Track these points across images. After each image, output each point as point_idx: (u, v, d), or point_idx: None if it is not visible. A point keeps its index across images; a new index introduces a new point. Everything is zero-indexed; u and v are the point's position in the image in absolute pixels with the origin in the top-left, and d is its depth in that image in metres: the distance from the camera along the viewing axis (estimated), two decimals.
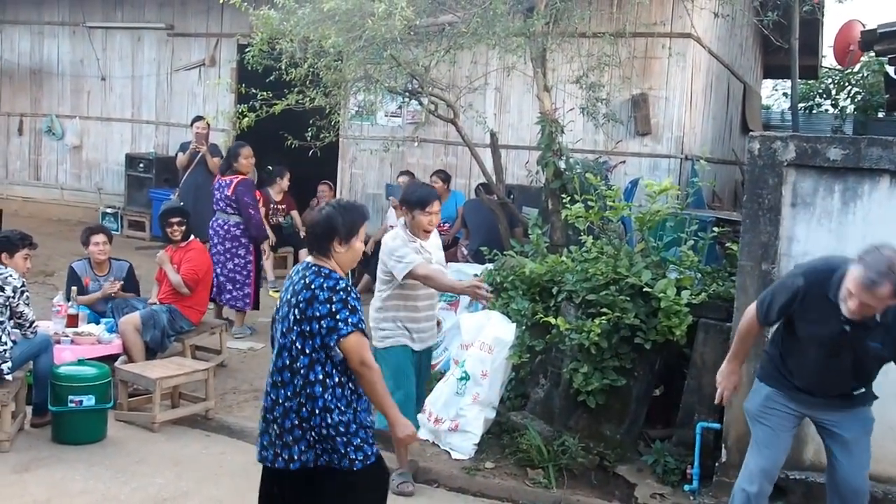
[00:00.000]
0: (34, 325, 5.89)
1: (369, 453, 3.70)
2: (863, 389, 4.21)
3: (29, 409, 6.02)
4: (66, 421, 5.78)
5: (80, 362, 6.01)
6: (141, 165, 12.15)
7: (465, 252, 8.90)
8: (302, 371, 3.61)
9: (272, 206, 10.32)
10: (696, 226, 6.35)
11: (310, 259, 3.75)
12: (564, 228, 7.14)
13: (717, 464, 5.15)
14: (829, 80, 18.27)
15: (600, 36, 7.96)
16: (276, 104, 7.48)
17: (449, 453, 5.78)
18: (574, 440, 5.62)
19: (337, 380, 3.62)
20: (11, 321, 5.73)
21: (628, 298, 5.60)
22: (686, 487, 5.33)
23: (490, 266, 6.80)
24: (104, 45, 13.03)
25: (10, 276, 5.73)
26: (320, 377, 3.60)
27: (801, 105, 15.85)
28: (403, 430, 3.82)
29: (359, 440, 3.66)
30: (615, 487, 5.50)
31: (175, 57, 12.54)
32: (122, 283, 7.32)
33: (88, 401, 5.76)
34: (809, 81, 17.51)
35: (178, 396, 6.49)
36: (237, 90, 8.78)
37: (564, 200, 6.62)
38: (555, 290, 5.97)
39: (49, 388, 5.84)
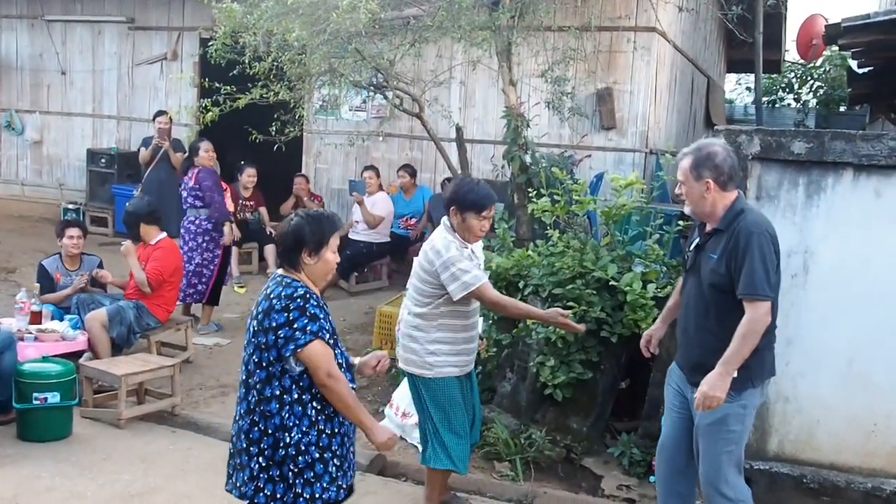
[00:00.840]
0: None
1: (318, 494, 3.39)
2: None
3: None
4: (31, 418, 5.71)
5: (45, 359, 5.94)
6: (103, 161, 12.01)
7: None
8: (257, 386, 3.40)
9: (241, 201, 10.25)
10: (662, 220, 6.40)
11: (279, 270, 3.55)
12: (530, 223, 7.17)
13: None
14: (792, 75, 18.51)
15: (565, 30, 8.01)
16: (239, 98, 7.43)
17: (417, 447, 5.79)
18: (541, 433, 5.66)
19: (296, 396, 3.38)
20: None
21: (594, 292, 5.64)
22: (652, 479, 5.38)
23: None
24: (64, 39, 12.85)
25: None
26: (276, 393, 3.37)
27: (764, 99, 16.03)
28: (381, 434, 3.55)
29: (312, 474, 3.39)
30: (582, 479, 5.55)
31: (136, 51, 12.40)
32: (90, 276, 7.24)
33: (53, 398, 5.69)
34: (773, 76, 17.72)
35: (144, 393, 6.44)
36: (200, 84, 8.71)
37: (530, 195, 6.65)
38: (521, 284, 6.00)
39: (13, 385, 5.77)
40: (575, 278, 5.74)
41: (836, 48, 13.05)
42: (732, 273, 3.85)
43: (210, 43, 7.47)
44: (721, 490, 4.06)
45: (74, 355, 6.46)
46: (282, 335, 3.33)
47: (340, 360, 3.48)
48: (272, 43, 7.14)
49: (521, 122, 7.32)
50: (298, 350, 3.32)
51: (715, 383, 3.84)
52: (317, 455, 3.40)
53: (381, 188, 9.90)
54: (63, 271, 7.26)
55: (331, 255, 3.55)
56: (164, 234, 7.24)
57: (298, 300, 3.35)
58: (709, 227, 4.03)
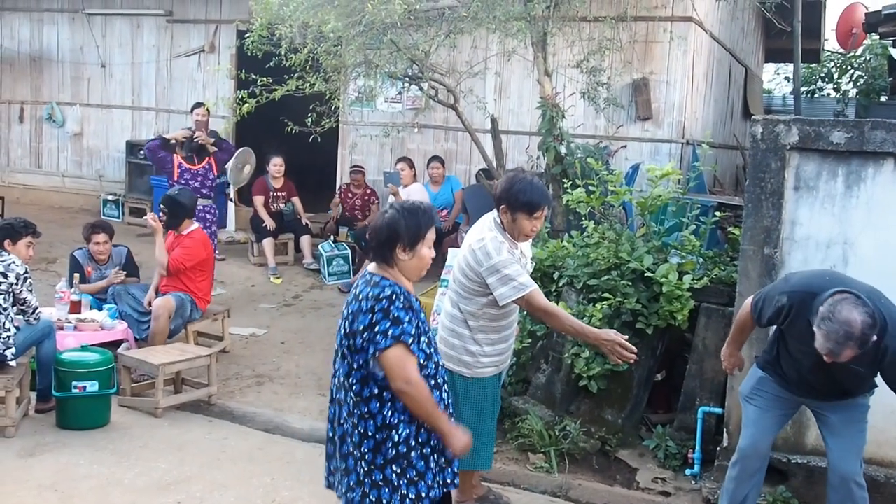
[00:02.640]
0: (37, 311, 5.92)
1: (423, 493, 3.31)
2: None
3: (33, 396, 6.05)
4: (70, 407, 5.80)
5: (84, 348, 6.03)
6: (141, 152, 12.10)
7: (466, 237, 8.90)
8: (355, 388, 3.29)
9: (272, 192, 10.32)
10: (698, 210, 6.34)
11: (370, 267, 3.41)
12: (565, 213, 7.14)
13: (718, 448, 5.16)
14: (832, 64, 18.18)
15: (601, 20, 7.94)
16: (275, 90, 7.46)
17: None
18: (575, 425, 5.63)
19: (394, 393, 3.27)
20: (15, 308, 5.76)
21: (630, 283, 5.60)
22: (688, 472, 5.36)
23: None
24: (104, 32, 12.99)
25: (14, 262, 5.76)
26: (375, 392, 3.27)
27: (802, 89, 15.78)
28: (458, 440, 3.35)
29: (414, 473, 3.29)
30: (617, 472, 5.52)
31: (174, 43, 12.50)
32: (125, 272, 7.35)
33: (92, 387, 5.78)
34: (811, 65, 17.44)
35: (181, 382, 6.51)
36: (237, 76, 8.76)
37: (565, 185, 6.61)
38: (556, 276, 5.97)
39: (53, 374, 5.87)
40: (610, 269, 5.70)
41: (876, 37, 12.83)
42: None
43: (247, 35, 7.52)
44: (859, 481, 4.18)
45: (113, 344, 6.56)
46: (366, 337, 3.22)
47: (425, 361, 3.31)
48: (308, 34, 7.16)
49: (557, 112, 7.28)
50: (378, 354, 3.21)
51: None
52: (418, 452, 3.30)
53: (415, 179, 9.90)
54: (94, 265, 7.38)
55: (426, 251, 3.40)
56: (198, 225, 7.34)
57: (384, 301, 3.21)
58: None
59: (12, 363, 5.68)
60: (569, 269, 5.89)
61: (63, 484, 4.99)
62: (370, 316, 3.21)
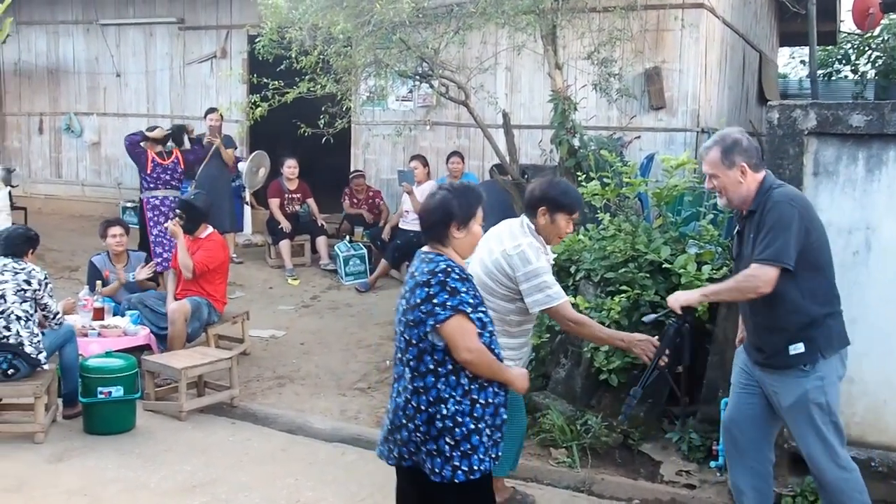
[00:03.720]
0: (58, 316, 6.01)
1: (476, 466, 3.35)
2: (791, 347, 3.94)
3: (60, 402, 6.13)
4: (96, 412, 5.88)
5: (108, 354, 6.09)
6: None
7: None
8: (412, 363, 3.38)
9: (287, 195, 10.36)
10: (715, 199, 6.30)
11: (424, 247, 3.53)
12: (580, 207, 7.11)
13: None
14: (849, 45, 18.03)
15: (611, 10, 7.92)
16: (287, 93, 7.49)
17: None
18: (597, 419, 5.62)
19: (450, 367, 3.34)
20: (37, 313, 5.85)
21: (648, 275, 5.58)
22: (712, 464, 5.33)
23: None
24: (118, 42, 13.08)
25: (34, 269, 5.91)
26: (430, 367, 3.34)
27: (819, 72, 15.67)
28: (521, 381, 3.56)
29: (468, 446, 3.33)
30: (640, 465, 5.50)
31: (187, 50, 12.57)
32: (150, 271, 7.42)
33: (117, 392, 5.85)
34: (828, 47, 17.29)
35: (204, 385, 6.56)
36: (249, 80, 8.80)
37: (580, 178, 6.60)
38: (573, 269, 5.96)
39: (79, 380, 5.94)
40: (627, 262, 5.68)
41: (894, 16, 12.69)
42: None
43: (257, 39, 7.54)
44: (832, 463, 4.01)
45: (136, 350, 6.61)
46: (424, 310, 3.31)
47: (481, 330, 3.38)
48: (318, 37, 7.18)
49: (569, 105, 7.26)
50: (438, 325, 3.29)
51: (680, 295, 4.09)
52: (472, 426, 3.35)
53: (429, 177, 9.91)
54: (111, 268, 7.46)
55: (477, 228, 3.53)
56: (212, 229, 7.41)
57: (440, 274, 3.33)
58: (745, 212, 4.04)
59: (46, 367, 5.79)
60: (586, 263, 5.87)
61: (91, 488, 5.05)
62: (426, 289, 3.31)
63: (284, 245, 10.05)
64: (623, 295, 5.48)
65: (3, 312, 5.67)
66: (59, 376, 6.14)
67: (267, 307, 8.84)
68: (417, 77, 8.01)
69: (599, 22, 8.15)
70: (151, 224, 9.04)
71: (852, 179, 4.76)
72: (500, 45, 9.56)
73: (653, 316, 4.42)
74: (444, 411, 3.33)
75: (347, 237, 10.20)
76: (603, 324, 5.47)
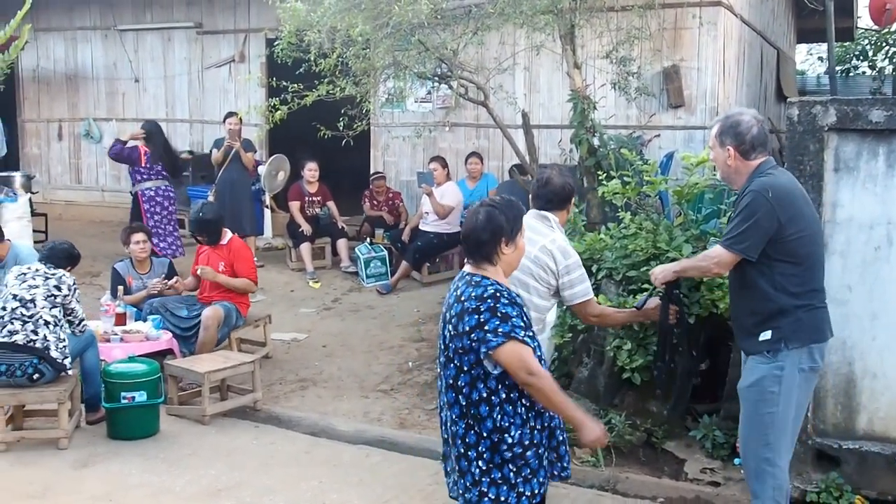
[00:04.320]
0: (83, 322, 6.05)
1: (536, 490, 3.31)
2: (760, 334, 3.96)
3: (83, 407, 6.16)
4: (119, 417, 5.90)
5: (131, 359, 6.12)
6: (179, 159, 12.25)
7: None
8: (465, 390, 3.27)
9: (307, 197, 10.38)
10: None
11: (467, 268, 3.40)
12: (601, 206, 7.10)
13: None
14: (866, 42, 17.91)
15: (629, 9, 7.90)
16: (307, 96, 7.50)
17: None
18: (620, 418, 5.61)
19: (503, 396, 3.25)
20: (65, 318, 5.90)
21: None
22: (736, 461, 5.29)
23: None
24: (136, 47, 13.16)
25: (64, 275, 5.98)
26: (483, 395, 3.25)
27: (837, 68, 15.56)
28: (591, 431, 3.39)
29: (529, 471, 3.29)
30: (664, 464, 5.49)
31: (205, 55, 12.64)
32: (172, 280, 7.44)
33: (140, 397, 5.87)
34: (845, 43, 17.17)
35: (227, 389, 6.58)
36: (268, 84, 8.84)
37: (600, 178, 6.58)
38: (595, 269, 5.94)
39: (101, 384, 5.98)
40: (649, 260, 5.66)
41: None
42: None
43: (276, 43, 7.56)
44: (761, 453, 4.02)
45: (159, 354, 6.64)
46: (475, 338, 3.20)
47: (538, 353, 3.33)
48: (336, 39, 7.18)
49: (588, 104, 7.24)
50: (491, 352, 3.18)
51: (657, 271, 4.28)
52: (533, 451, 3.30)
53: (448, 178, 9.91)
54: (134, 275, 7.48)
55: (523, 242, 3.44)
56: (231, 233, 7.45)
57: (489, 300, 3.21)
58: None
59: (71, 371, 5.85)
60: (607, 262, 5.86)
61: (116, 493, 5.08)
62: (476, 316, 3.20)
63: (305, 248, 10.07)
64: (645, 293, 5.45)
65: (31, 317, 5.71)
66: (81, 381, 6.17)
67: (288, 310, 8.87)
68: (436, 78, 8.02)
69: (617, 21, 8.13)
70: (148, 215, 9.65)
71: (873, 175, 4.74)
72: (518, 45, 9.56)
73: (642, 298, 4.60)
74: (509, 440, 3.26)
75: (368, 239, 10.21)
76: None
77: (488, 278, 3.30)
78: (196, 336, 6.98)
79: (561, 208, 4.41)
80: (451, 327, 3.30)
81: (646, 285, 5.48)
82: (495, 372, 3.23)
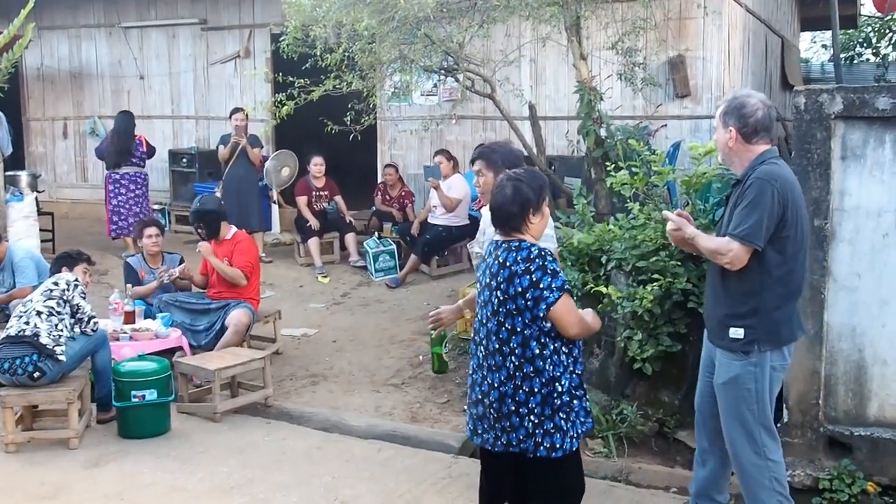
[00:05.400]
0: (94, 320, 6.00)
1: (580, 431, 3.57)
2: (731, 330, 3.96)
3: (94, 407, 6.17)
4: (130, 416, 5.89)
5: (141, 357, 6.12)
6: (184, 160, 12.28)
7: None
8: (517, 351, 3.47)
9: (314, 192, 10.38)
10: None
11: (497, 237, 3.60)
12: (609, 197, 7.10)
13: (778, 425, 5.10)
14: (869, 29, 17.85)
15: (634, 0, 7.87)
16: (313, 91, 7.50)
17: None
18: (632, 408, 5.61)
19: (552, 347, 3.48)
20: (74, 318, 5.89)
21: (679, 263, 5.55)
22: None
23: None
24: (140, 44, 13.16)
25: (64, 275, 5.98)
26: (536, 351, 3.46)
27: (841, 56, 15.52)
28: (593, 318, 3.67)
29: (574, 414, 3.53)
30: (676, 453, 5.48)
31: (210, 51, 12.63)
32: (179, 268, 7.42)
33: (151, 395, 5.86)
34: (849, 31, 17.12)
35: (237, 386, 6.58)
36: (273, 80, 8.84)
37: (608, 168, 6.57)
38: (604, 259, 5.94)
39: (111, 383, 5.98)
40: (658, 250, 5.65)
41: None
42: None
43: (281, 38, 7.56)
44: (748, 449, 4.02)
45: (168, 352, 6.65)
46: (530, 297, 3.40)
47: None
48: (342, 34, 7.20)
49: (594, 95, 7.24)
50: (550, 308, 3.40)
51: (683, 226, 4.03)
52: (577, 394, 3.54)
53: (455, 170, 9.89)
54: (147, 269, 7.49)
55: (547, 210, 3.62)
56: (235, 228, 7.44)
57: (537, 260, 3.42)
58: (736, 180, 4.11)
59: (61, 357, 5.69)
60: (616, 252, 5.85)
61: (129, 492, 5.07)
62: (528, 277, 3.40)
63: (313, 243, 10.08)
64: (655, 284, 5.45)
65: (26, 311, 5.76)
66: (92, 381, 6.18)
67: (298, 306, 8.88)
68: (442, 71, 8.02)
69: (623, 12, 8.13)
70: (112, 195, 10.55)
71: (880, 162, 4.74)
72: (524, 37, 9.54)
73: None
74: (559, 389, 3.48)
75: (376, 233, 10.22)
76: (636, 312, 5.47)
77: (526, 240, 3.51)
78: (207, 331, 6.98)
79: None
80: (499, 293, 3.47)
81: (655, 275, 5.49)
82: (547, 326, 3.44)
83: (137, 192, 10.74)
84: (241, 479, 5.22)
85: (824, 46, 19.60)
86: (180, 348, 6.82)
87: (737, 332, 3.93)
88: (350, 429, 6.02)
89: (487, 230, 4.50)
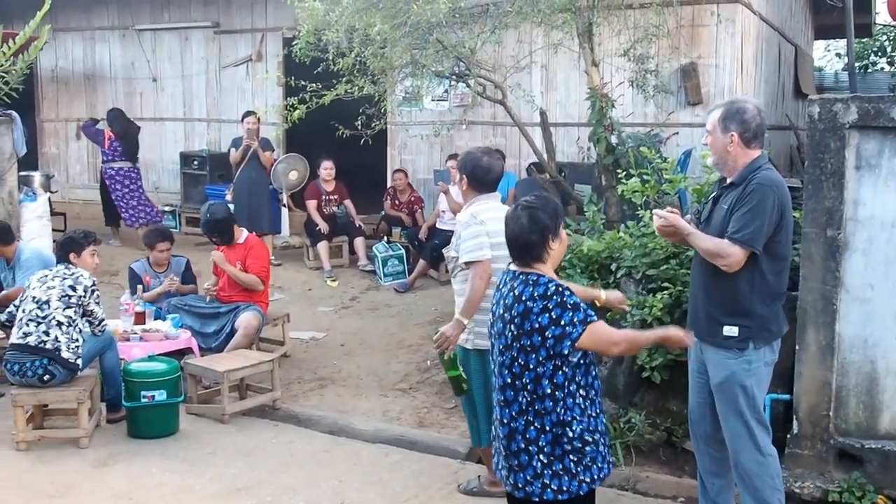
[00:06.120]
0: (103, 323, 6.04)
1: (596, 476, 3.41)
2: (725, 328, 4.00)
3: (103, 407, 6.19)
4: (140, 416, 5.92)
5: (151, 358, 6.14)
6: (195, 163, 12.32)
7: None
8: (529, 387, 3.36)
9: (324, 196, 10.40)
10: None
11: (513, 267, 3.50)
12: (619, 204, 7.09)
13: (788, 436, 5.07)
14: (884, 38, 17.81)
15: (647, 6, 7.88)
16: (325, 95, 7.52)
17: None
18: (640, 417, 5.59)
19: (567, 390, 3.36)
20: (83, 319, 5.90)
21: (689, 271, 5.53)
22: None
23: None
24: (153, 47, 13.22)
25: (81, 275, 5.90)
26: (548, 391, 3.34)
27: (856, 64, 15.48)
28: (674, 333, 3.61)
29: (589, 459, 3.39)
30: (684, 463, 5.45)
31: (222, 54, 12.67)
32: (178, 280, 7.46)
33: (160, 395, 5.88)
34: (863, 40, 17.09)
35: (246, 388, 6.59)
36: (285, 83, 8.86)
37: (619, 175, 6.56)
38: (614, 267, 5.92)
39: (122, 384, 6.00)
40: (669, 258, 5.64)
41: None
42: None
43: (294, 42, 7.57)
44: (749, 446, 4.07)
45: (178, 353, 6.66)
46: (550, 336, 3.29)
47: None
48: (354, 38, 7.20)
49: (606, 102, 7.23)
50: (575, 344, 3.30)
51: (677, 223, 4.01)
52: (590, 440, 3.40)
53: None
54: (152, 273, 7.50)
55: (565, 234, 3.53)
56: (247, 231, 7.45)
57: (555, 297, 3.31)
58: (727, 181, 4.13)
59: (78, 364, 5.80)
60: (626, 260, 5.84)
61: (137, 492, 5.09)
62: (547, 315, 3.29)
63: (322, 246, 10.10)
64: (665, 292, 5.44)
65: (45, 318, 5.71)
66: (102, 382, 6.20)
67: (306, 309, 8.89)
68: (454, 77, 8.02)
69: (635, 19, 8.10)
70: (111, 190, 11.17)
71: (895, 172, 4.70)
72: (535, 43, 9.54)
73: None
74: (570, 433, 3.36)
75: (385, 238, 10.22)
76: (645, 321, 5.46)
77: (543, 275, 3.39)
78: (216, 334, 7.00)
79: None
80: (513, 327, 3.36)
81: (665, 284, 5.47)
82: (574, 360, 3.33)
83: (132, 186, 11.27)
84: (249, 481, 5.24)
85: (838, 55, 19.57)
86: (190, 350, 6.84)
87: (731, 330, 4.01)
88: (357, 433, 6.03)
89: (463, 233, 4.66)
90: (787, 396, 5.22)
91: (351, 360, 7.54)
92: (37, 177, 10.05)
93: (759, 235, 3.87)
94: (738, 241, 3.88)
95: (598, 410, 3.46)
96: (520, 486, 3.42)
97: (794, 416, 5.01)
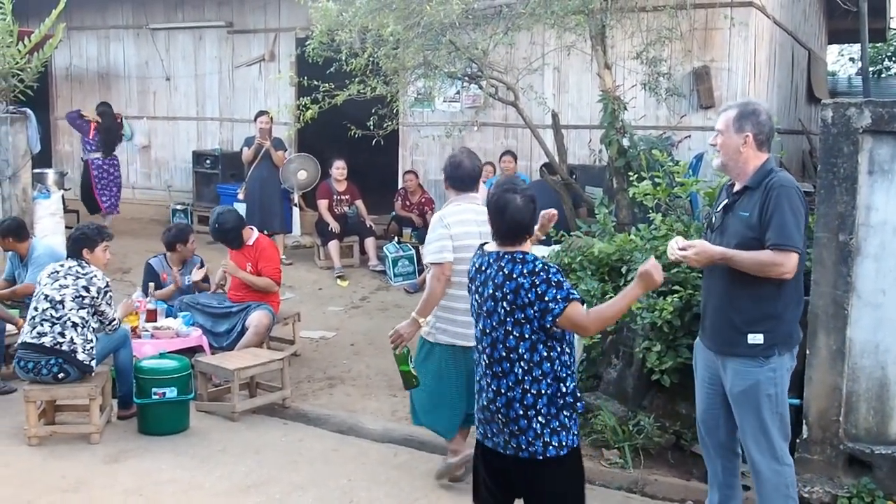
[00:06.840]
0: (114, 322, 6.04)
1: (578, 421, 3.67)
2: (750, 336, 3.98)
3: (115, 403, 6.22)
4: (150, 413, 5.95)
5: (162, 355, 6.17)
6: (207, 162, 12.37)
7: None
8: (525, 356, 3.56)
9: (335, 196, 10.43)
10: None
11: (495, 247, 3.68)
12: (630, 207, 7.08)
13: (798, 440, 5.07)
14: None
15: (660, 9, 7.88)
16: (337, 95, 7.54)
17: None
18: (649, 419, 5.58)
19: (559, 349, 3.58)
20: (94, 318, 5.91)
21: (700, 275, 5.52)
22: None
23: (557, 247, 6.78)
24: (167, 46, 13.29)
25: (95, 276, 5.87)
26: (544, 354, 3.56)
27: (869, 69, 15.43)
28: (649, 276, 3.63)
29: (576, 414, 3.63)
30: (693, 466, 5.45)
31: (235, 54, 12.73)
32: (189, 279, 7.50)
33: (171, 392, 5.91)
34: (877, 44, 17.04)
35: (256, 386, 6.61)
36: (298, 83, 8.89)
37: (630, 178, 6.56)
38: (624, 270, 5.92)
39: (133, 381, 6.03)
40: (679, 262, 5.63)
41: None
42: (764, 227, 3.89)
43: (307, 42, 7.60)
44: (768, 455, 4.05)
45: (189, 351, 6.69)
46: (536, 309, 3.49)
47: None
48: (367, 39, 7.23)
49: (618, 105, 7.23)
50: (557, 319, 3.48)
51: (707, 249, 3.95)
52: (578, 394, 3.63)
53: None
54: (168, 270, 7.53)
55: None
56: (257, 231, 7.45)
57: (542, 273, 3.51)
58: (738, 186, 4.11)
59: (92, 365, 5.82)
60: (637, 263, 5.82)
61: (147, 489, 5.11)
62: (534, 290, 3.49)
63: (333, 246, 10.12)
64: (675, 295, 5.43)
65: (60, 319, 5.72)
66: (114, 378, 6.24)
67: (317, 308, 8.91)
68: (466, 78, 8.04)
69: (648, 21, 8.11)
70: (96, 181, 11.76)
71: None
72: (548, 45, 9.55)
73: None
74: (564, 389, 3.57)
75: (396, 238, 10.24)
76: (654, 324, 5.46)
77: (528, 253, 3.60)
78: (228, 334, 7.02)
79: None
80: (505, 304, 3.55)
81: (676, 287, 5.47)
82: (558, 332, 3.54)
83: (115, 173, 12.07)
84: (258, 479, 5.25)
85: (851, 60, 19.49)
86: (201, 348, 6.87)
87: (756, 338, 3.97)
88: (366, 432, 6.04)
89: (430, 234, 4.89)
90: (797, 401, 5.22)
91: (360, 359, 7.56)
92: (50, 174, 10.11)
93: (801, 238, 3.88)
94: (786, 247, 3.83)
95: (574, 366, 3.69)
96: (523, 447, 3.58)
97: (805, 421, 5.00)
